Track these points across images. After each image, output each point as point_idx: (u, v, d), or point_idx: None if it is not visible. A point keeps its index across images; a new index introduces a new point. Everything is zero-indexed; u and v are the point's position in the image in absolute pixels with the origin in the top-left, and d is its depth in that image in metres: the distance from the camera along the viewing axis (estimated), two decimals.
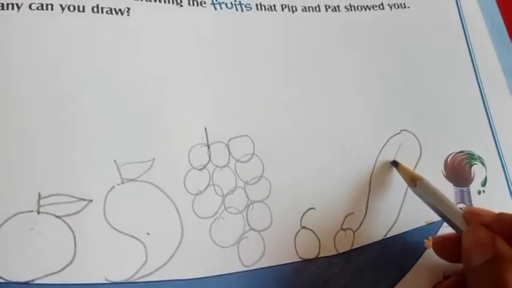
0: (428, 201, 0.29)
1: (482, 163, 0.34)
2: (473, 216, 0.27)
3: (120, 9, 0.29)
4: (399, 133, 0.33)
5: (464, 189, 0.33)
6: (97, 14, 0.28)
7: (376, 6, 0.35)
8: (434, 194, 0.29)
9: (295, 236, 0.29)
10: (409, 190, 0.31)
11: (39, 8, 0.27)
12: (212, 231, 0.27)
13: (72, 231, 0.24)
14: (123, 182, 0.26)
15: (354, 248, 0.30)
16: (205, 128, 0.29)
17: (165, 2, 0.30)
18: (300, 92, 0.31)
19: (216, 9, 0.31)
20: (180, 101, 0.28)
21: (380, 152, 0.32)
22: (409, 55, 0.35)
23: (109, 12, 0.28)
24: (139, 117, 0.27)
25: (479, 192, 0.33)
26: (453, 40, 0.37)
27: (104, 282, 0.24)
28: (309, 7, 0.34)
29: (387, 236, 0.31)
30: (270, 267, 0.28)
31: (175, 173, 0.27)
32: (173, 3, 0.30)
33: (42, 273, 0.24)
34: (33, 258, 0.24)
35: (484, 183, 0.34)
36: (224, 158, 0.29)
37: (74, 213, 0.25)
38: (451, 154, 0.34)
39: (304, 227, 0.29)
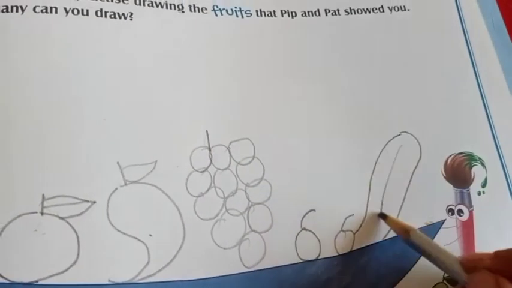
0: (423, 250, 0.28)
1: (483, 164, 0.34)
2: (473, 263, 0.26)
3: (123, 14, 0.29)
4: (399, 135, 0.33)
5: (465, 190, 0.33)
6: (100, 18, 0.28)
7: (376, 9, 0.36)
8: (430, 242, 0.28)
9: (296, 238, 0.29)
10: (409, 191, 0.31)
11: (43, 10, 0.27)
12: (214, 233, 0.27)
13: (76, 233, 0.25)
14: (126, 184, 0.26)
15: (354, 249, 0.30)
16: (207, 131, 0.29)
17: (167, 7, 0.30)
18: (300, 95, 0.32)
19: (216, 15, 0.32)
20: (181, 105, 0.29)
21: (380, 153, 0.32)
22: (409, 57, 0.35)
23: (112, 16, 0.29)
24: (142, 120, 0.28)
25: (479, 194, 0.34)
26: (453, 41, 0.37)
27: (107, 283, 0.25)
28: (308, 12, 0.34)
29: (387, 237, 0.31)
30: (271, 268, 0.28)
31: (177, 175, 0.27)
32: (175, 9, 0.31)
33: (45, 274, 0.24)
34: (36, 259, 0.24)
35: (484, 185, 0.34)
36: (225, 161, 0.29)
37: (78, 215, 0.25)
38: (451, 155, 0.34)
39: (304, 229, 0.29)
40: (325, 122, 0.32)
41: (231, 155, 0.29)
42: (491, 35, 0.38)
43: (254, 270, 0.27)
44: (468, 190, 0.33)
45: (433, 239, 0.31)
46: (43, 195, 0.25)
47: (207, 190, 0.28)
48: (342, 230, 0.30)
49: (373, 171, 0.32)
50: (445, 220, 0.32)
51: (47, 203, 0.25)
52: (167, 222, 0.27)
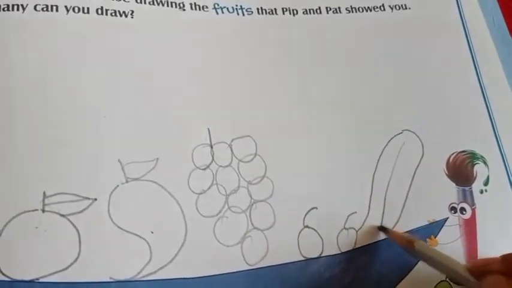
0: (429, 258, 0.28)
1: (485, 162, 0.34)
2: (481, 269, 0.25)
3: (124, 12, 0.29)
4: (401, 133, 0.33)
5: (467, 188, 0.33)
6: (101, 15, 0.28)
7: (377, 7, 0.36)
8: (434, 250, 0.28)
9: (298, 235, 0.29)
10: (412, 189, 0.31)
11: (44, 9, 0.27)
12: (216, 230, 0.27)
13: (77, 230, 0.25)
14: (127, 181, 0.26)
15: (356, 247, 0.30)
16: (208, 129, 0.29)
17: (168, 5, 0.30)
18: (302, 93, 0.32)
19: (217, 13, 0.32)
20: (183, 102, 0.29)
21: (382, 151, 0.32)
22: (411, 55, 0.35)
23: (113, 14, 0.29)
24: (143, 118, 0.28)
25: (481, 192, 0.33)
26: (454, 39, 0.37)
27: (109, 280, 0.24)
28: (310, 9, 0.34)
29: None
30: (274, 266, 0.28)
31: (179, 173, 0.27)
32: (176, 7, 0.31)
33: (47, 272, 0.24)
34: (38, 257, 0.24)
35: (486, 183, 0.34)
36: (227, 158, 0.29)
37: (79, 212, 0.25)
38: (453, 154, 0.34)
39: (307, 226, 0.29)
40: (328, 119, 0.32)
41: (232, 152, 0.29)
42: (491, 33, 0.38)
43: (256, 268, 0.27)
44: (470, 188, 0.33)
45: (435, 237, 0.31)
46: (44, 193, 0.25)
47: (209, 187, 0.28)
48: (344, 228, 0.30)
49: (376, 169, 0.31)
50: (447, 218, 0.32)
51: (48, 200, 0.25)
52: (169, 219, 0.26)
